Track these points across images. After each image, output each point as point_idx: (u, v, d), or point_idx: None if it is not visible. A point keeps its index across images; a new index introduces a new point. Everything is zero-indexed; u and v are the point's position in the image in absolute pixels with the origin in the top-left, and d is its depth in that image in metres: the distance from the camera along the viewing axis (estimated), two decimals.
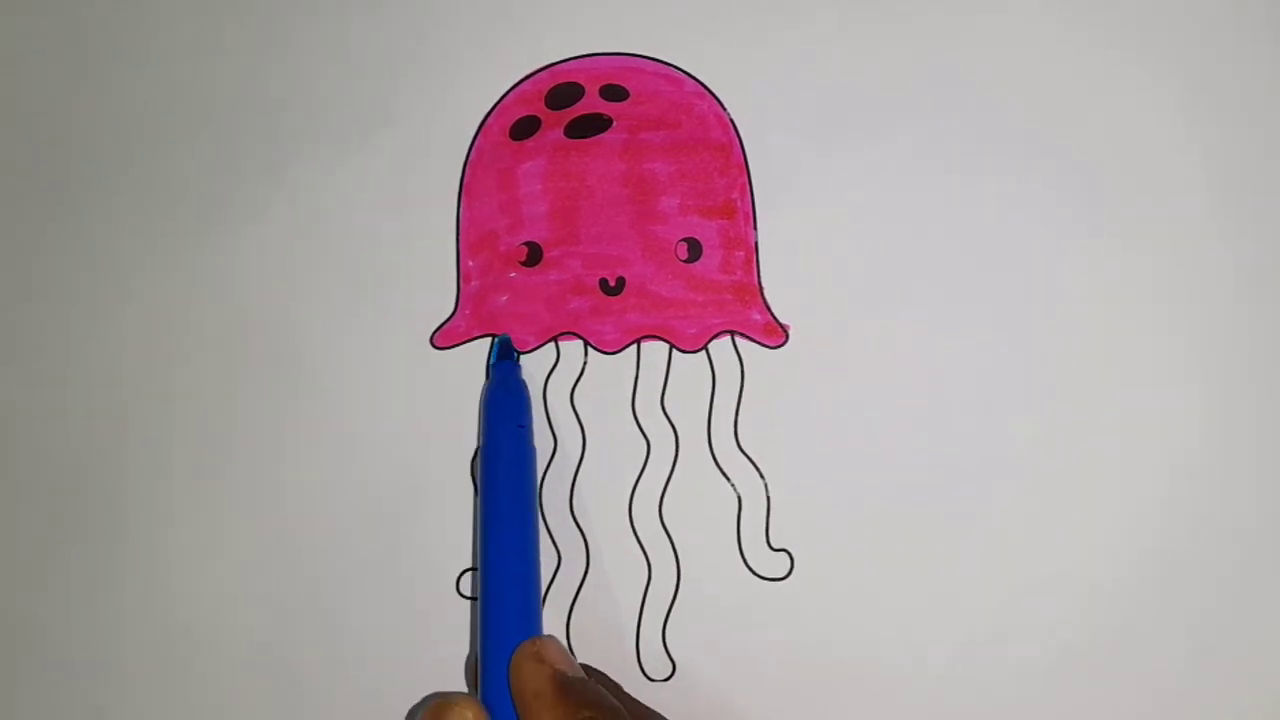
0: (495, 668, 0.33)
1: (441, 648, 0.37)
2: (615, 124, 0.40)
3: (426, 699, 0.36)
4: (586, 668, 0.35)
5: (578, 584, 0.38)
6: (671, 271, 0.39)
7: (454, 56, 0.40)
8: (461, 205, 0.40)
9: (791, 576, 0.38)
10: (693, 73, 0.40)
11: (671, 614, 0.38)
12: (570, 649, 0.38)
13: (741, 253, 0.39)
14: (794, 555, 0.38)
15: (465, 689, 0.37)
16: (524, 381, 0.38)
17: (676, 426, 0.39)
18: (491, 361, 0.38)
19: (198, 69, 0.41)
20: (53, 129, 0.40)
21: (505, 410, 0.37)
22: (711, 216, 0.39)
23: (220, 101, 0.40)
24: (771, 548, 0.38)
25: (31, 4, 0.41)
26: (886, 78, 0.40)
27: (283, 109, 0.40)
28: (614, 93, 0.40)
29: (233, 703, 0.38)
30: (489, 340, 0.39)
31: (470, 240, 0.39)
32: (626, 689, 0.37)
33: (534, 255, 0.39)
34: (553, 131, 0.40)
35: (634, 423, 0.39)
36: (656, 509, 0.38)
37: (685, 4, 0.40)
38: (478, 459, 0.37)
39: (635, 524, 0.38)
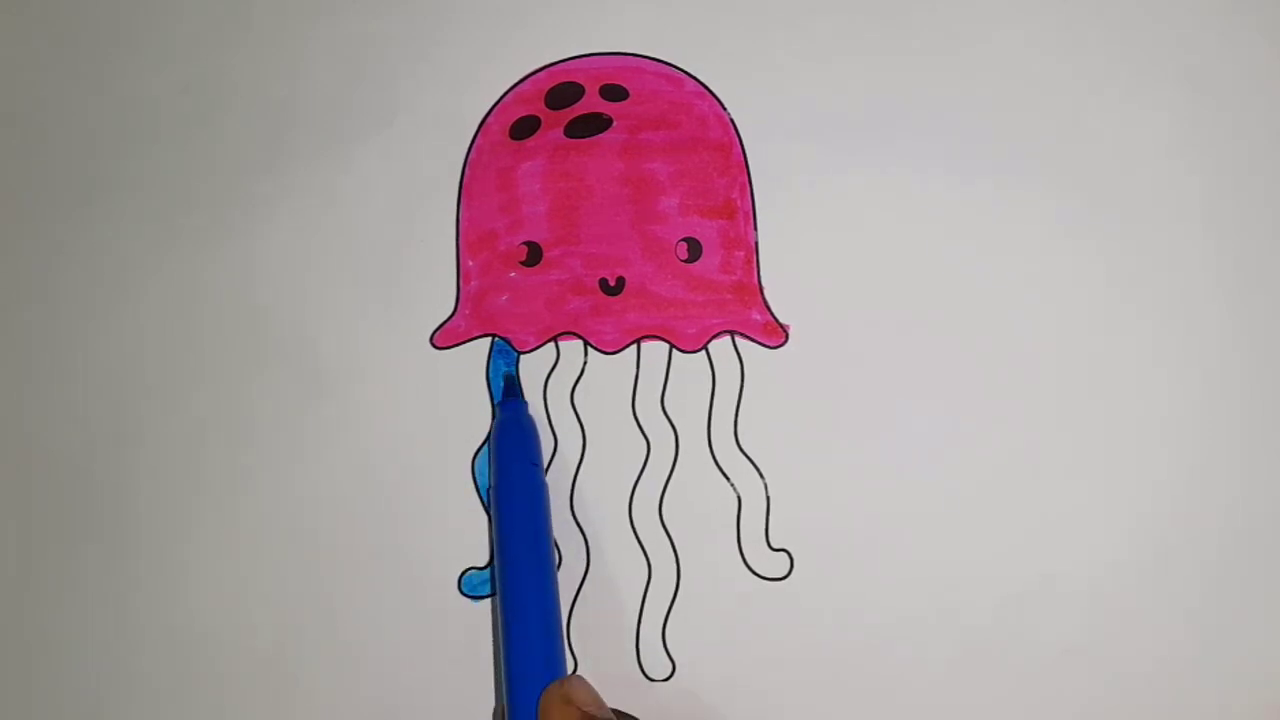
0: (523, 712, 0.33)
1: (444, 647, 0.37)
2: (615, 124, 0.40)
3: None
4: (617, 711, 0.35)
5: (578, 584, 0.38)
6: (671, 271, 0.39)
7: (454, 56, 0.40)
8: (461, 205, 0.40)
9: (791, 576, 0.38)
10: (693, 73, 0.40)
11: (671, 614, 0.38)
12: (571, 649, 0.38)
13: (741, 253, 0.39)
14: (794, 555, 0.38)
15: (466, 687, 0.37)
16: (533, 418, 0.38)
17: (676, 426, 0.39)
18: (496, 400, 0.38)
19: (197, 70, 0.40)
20: (56, 130, 0.40)
21: (518, 449, 0.37)
22: (711, 216, 0.39)
23: (220, 102, 0.40)
24: (771, 548, 0.38)
25: (39, 5, 0.41)
26: (886, 77, 0.40)
27: (283, 109, 0.40)
28: (614, 92, 0.40)
29: (236, 702, 0.38)
30: (488, 340, 0.39)
31: (470, 240, 0.39)
32: (626, 689, 0.37)
33: (534, 255, 0.39)
34: (552, 131, 0.40)
35: (634, 423, 0.39)
36: (656, 509, 0.38)
37: (685, 4, 0.40)
38: (491, 497, 0.36)
39: (635, 524, 0.38)
